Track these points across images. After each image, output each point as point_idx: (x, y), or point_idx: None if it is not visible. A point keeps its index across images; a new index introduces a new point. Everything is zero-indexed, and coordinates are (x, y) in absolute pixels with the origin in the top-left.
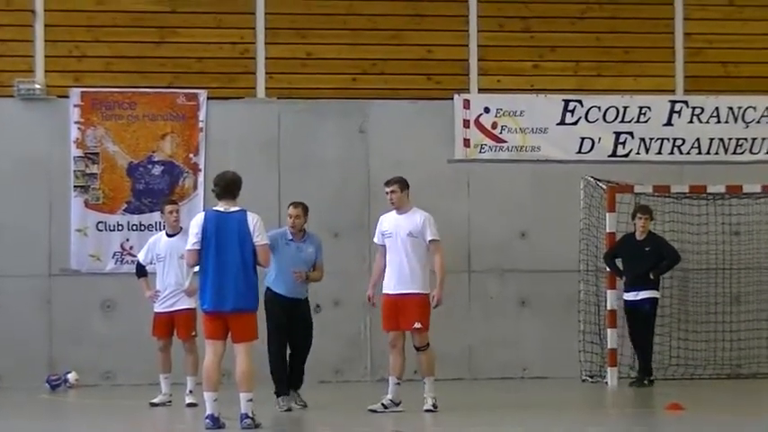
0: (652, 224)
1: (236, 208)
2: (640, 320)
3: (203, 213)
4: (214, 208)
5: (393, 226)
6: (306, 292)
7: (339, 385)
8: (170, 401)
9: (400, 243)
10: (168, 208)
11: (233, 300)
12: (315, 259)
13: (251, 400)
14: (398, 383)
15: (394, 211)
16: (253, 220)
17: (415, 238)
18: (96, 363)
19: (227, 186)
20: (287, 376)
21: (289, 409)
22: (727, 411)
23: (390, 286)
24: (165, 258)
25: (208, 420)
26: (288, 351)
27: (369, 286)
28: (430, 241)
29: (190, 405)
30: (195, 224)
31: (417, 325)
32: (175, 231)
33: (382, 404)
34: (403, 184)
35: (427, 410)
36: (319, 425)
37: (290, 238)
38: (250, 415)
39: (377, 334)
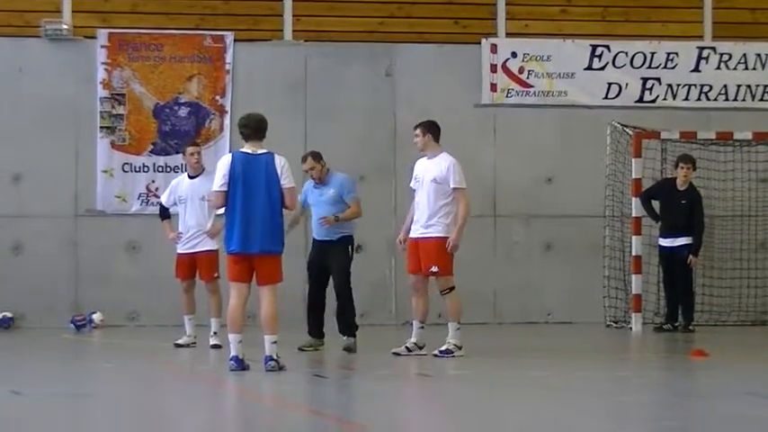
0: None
1: (264, 150)
2: (676, 267)
3: (230, 155)
4: (241, 149)
5: (421, 170)
6: (337, 234)
7: (364, 329)
8: (194, 343)
9: (425, 188)
10: (190, 150)
11: (260, 242)
12: (342, 198)
13: (275, 342)
14: (422, 327)
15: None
16: (280, 162)
17: (439, 184)
18: (121, 303)
19: (256, 128)
20: (315, 317)
21: (301, 349)
22: (752, 358)
23: (414, 230)
24: (187, 200)
25: (232, 362)
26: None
27: (402, 230)
28: (453, 189)
29: (214, 347)
30: (223, 165)
31: (434, 269)
32: (197, 173)
33: (406, 347)
34: (428, 127)
35: (435, 355)
36: (341, 368)
37: (314, 184)
38: (274, 357)
39: (402, 278)
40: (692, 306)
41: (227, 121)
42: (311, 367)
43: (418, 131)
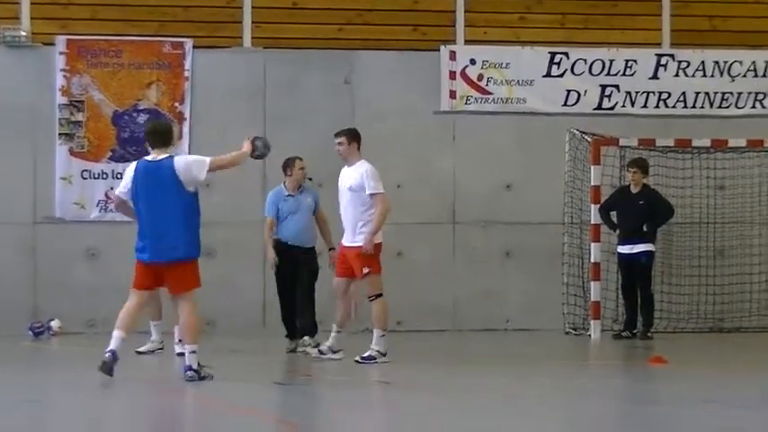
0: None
1: (165, 155)
2: (635, 274)
3: (135, 163)
4: (145, 158)
5: (341, 179)
6: (311, 241)
7: (322, 335)
8: (161, 348)
9: (344, 197)
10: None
11: (167, 251)
12: (316, 206)
13: (194, 351)
14: (339, 332)
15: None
16: (180, 161)
17: (355, 192)
18: (80, 311)
19: (162, 135)
20: (292, 320)
21: (292, 351)
22: (710, 365)
23: (344, 238)
24: None
25: (109, 354)
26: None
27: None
28: (369, 195)
29: (180, 354)
30: (126, 173)
31: (366, 270)
32: None
33: (319, 350)
34: (351, 135)
35: (356, 361)
36: (300, 375)
37: (288, 194)
38: (194, 367)
39: (361, 285)
40: (651, 313)
41: (186, 128)
42: (270, 374)
43: (342, 140)
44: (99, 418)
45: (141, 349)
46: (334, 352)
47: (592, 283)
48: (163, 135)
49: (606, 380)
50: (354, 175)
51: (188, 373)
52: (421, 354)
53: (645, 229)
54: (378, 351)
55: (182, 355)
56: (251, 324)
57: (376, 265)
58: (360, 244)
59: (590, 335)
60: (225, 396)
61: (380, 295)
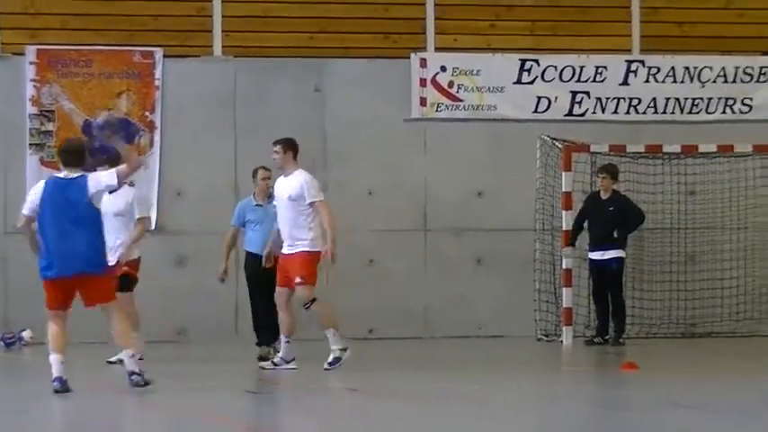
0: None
1: (79, 174)
2: (606, 280)
3: (43, 181)
4: (55, 175)
5: (278, 189)
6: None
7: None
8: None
9: (282, 206)
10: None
11: (75, 263)
12: None
13: (133, 356)
14: (288, 341)
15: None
16: (93, 178)
17: (294, 201)
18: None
19: (75, 153)
20: (263, 328)
21: (262, 358)
22: (682, 370)
23: (284, 247)
24: (105, 215)
25: (56, 383)
26: None
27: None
28: (310, 204)
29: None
30: (33, 192)
31: (298, 279)
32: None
33: (273, 362)
34: (288, 145)
35: (326, 369)
36: (272, 383)
37: (256, 203)
38: (136, 371)
39: (332, 293)
40: (623, 319)
41: (156, 137)
42: (241, 382)
43: (278, 148)
44: (82, 426)
45: (111, 359)
46: (288, 362)
47: (563, 289)
48: (76, 154)
49: (578, 386)
50: (293, 185)
51: (133, 378)
52: (393, 361)
53: (615, 235)
54: (339, 349)
55: (114, 363)
56: (223, 331)
57: (310, 275)
58: (299, 250)
59: (562, 341)
60: (196, 404)
61: (314, 300)
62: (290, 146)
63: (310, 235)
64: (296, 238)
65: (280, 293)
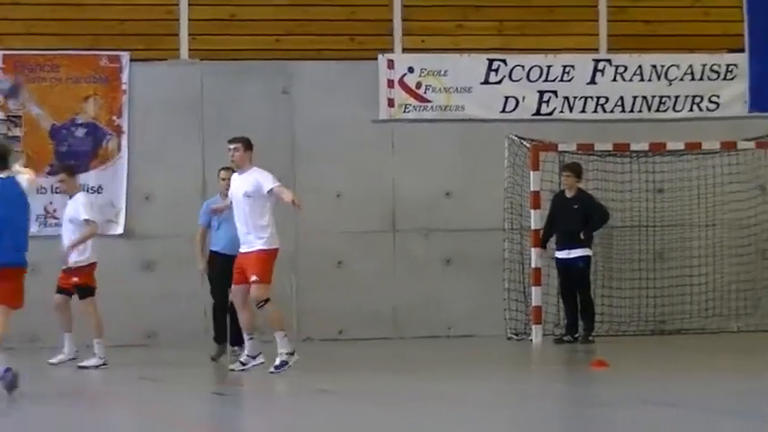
0: (583, 182)
1: (6, 175)
2: (573, 279)
3: None
4: None
5: (233, 187)
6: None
7: (264, 345)
8: (74, 359)
9: (239, 204)
10: (59, 177)
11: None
12: None
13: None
14: (252, 338)
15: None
16: (22, 179)
17: (251, 197)
18: (20, 325)
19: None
20: (221, 328)
21: (213, 359)
22: (652, 368)
23: (241, 246)
24: (63, 220)
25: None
26: None
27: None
28: (270, 190)
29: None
30: None
31: (254, 277)
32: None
33: (240, 362)
34: (246, 143)
35: (271, 372)
36: (238, 385)
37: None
38: (12, 369)
39: (303, 293)
40: (592, 317)
41: (124, 141)
42: (209, 385)
43: (237, 146)
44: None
45: (53, 361)
46: (254, 357)
47: (533, 288)
48: (5, 156)
49: (548, 384)
50: (249, 180)
51: (6, 375)
52: (363, 361)
53: (582, 236)
54: (286, 353)
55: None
56: (193, 334)
57: (266, 273)
58: (257, 248)
59: (532, 340)
60: (164, 407)
61: (268, 300)
62: (247, 145)
63: (267, 233)
64: (252, 236)
65: (237, 292)
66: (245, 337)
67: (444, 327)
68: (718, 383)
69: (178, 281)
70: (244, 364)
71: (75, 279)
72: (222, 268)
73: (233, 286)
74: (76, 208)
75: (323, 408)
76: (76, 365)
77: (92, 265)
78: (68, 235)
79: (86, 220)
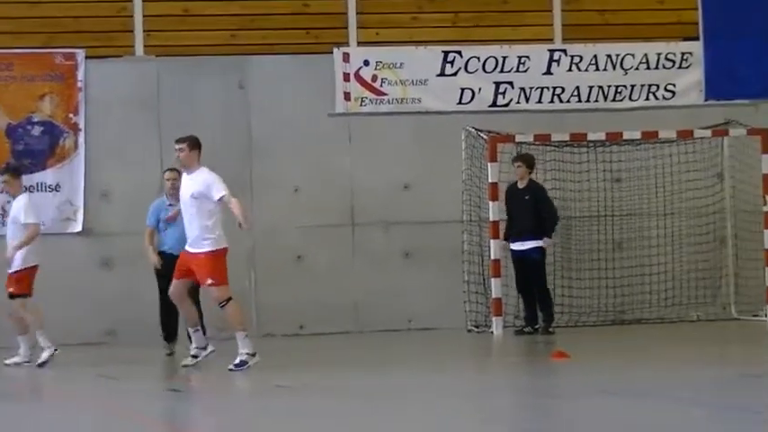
0: (536, 173)
1: None
2: (529, 270)
3: None
4: None
5: (183, 187)
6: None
7: (224, 342)
8: (29, 361)
9: (186, 205)
10: (2, 178)
11: None
12: None
13: None
14: (197, 330)
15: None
16: None
17: (197, 199)
18: None
19: None
20: (172, 325)
21: (171, 354)
22: (612, 358)
23: (187, 244)
24: (8, 221)
25: None
26: None
27: None
28: (219, 199)
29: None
30: None
31: (209, 281)
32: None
33: (192, 356)
34: (192, 143)
35: (230, 369)
36: (199, 381)
37: (170, 203)
38: None
39: (262, 289)
40: (550, 308)
41: (81, 139)
42: (168, 381)
43: (183, 146)
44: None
45: (8, 362)
46: (204, 348)
47: (492, 279)
48: None
49: (509, 375)
50: (198, 181)
51: None
52: (323, 356)
53: (542, 244)
54: (247, 353)
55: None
56: (152, 332)
57: (220, 274)
58: (205, 250)
59: (492, 332)
60: (121, 404)
61: (230, 299)
62: (194, 144)
63: (215, 233)
64: (200, 237)
65: (175, 286)
66: (191, 330)
67: (405, 320)
68: (678, 373)
69: (137, 278)
70: (195, 356)
71: (11, 290)
72: (170, 268)
73: (173, 281)
74: (18, 210)
75: (281, 403)
76: (35, 365)
77: (33, 269)
78: (11, 236)
79: (25, 224)
